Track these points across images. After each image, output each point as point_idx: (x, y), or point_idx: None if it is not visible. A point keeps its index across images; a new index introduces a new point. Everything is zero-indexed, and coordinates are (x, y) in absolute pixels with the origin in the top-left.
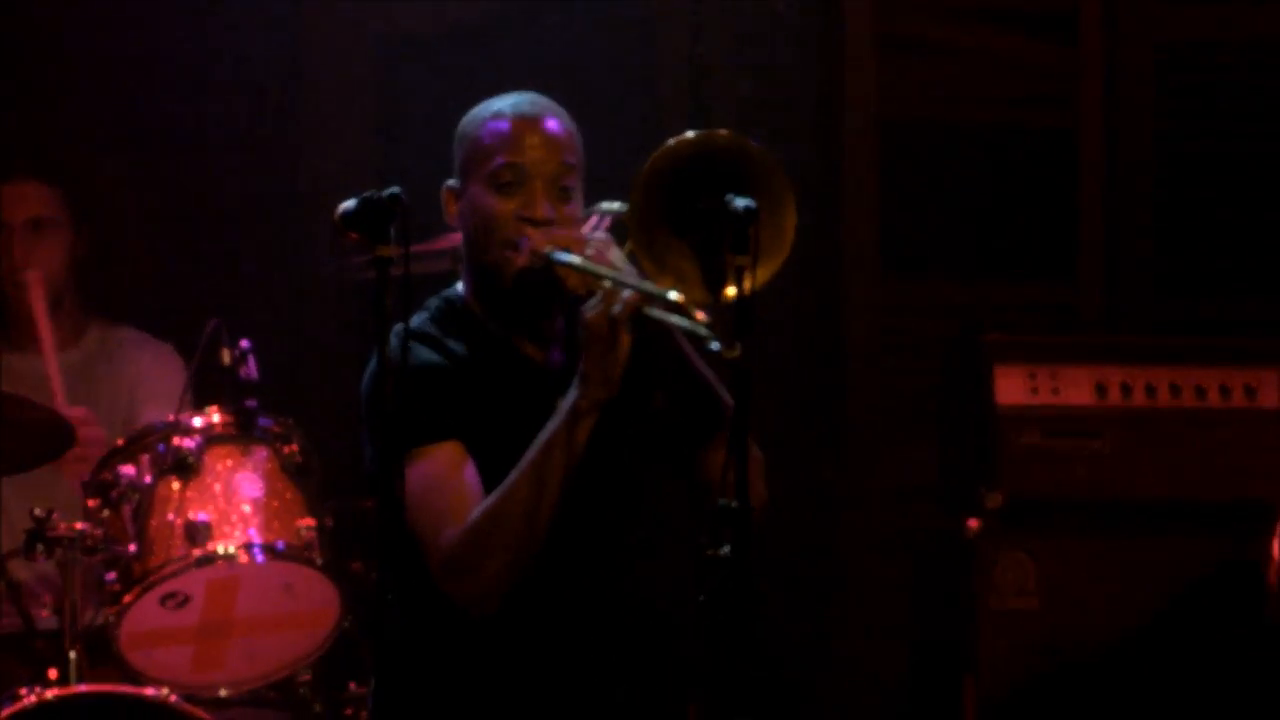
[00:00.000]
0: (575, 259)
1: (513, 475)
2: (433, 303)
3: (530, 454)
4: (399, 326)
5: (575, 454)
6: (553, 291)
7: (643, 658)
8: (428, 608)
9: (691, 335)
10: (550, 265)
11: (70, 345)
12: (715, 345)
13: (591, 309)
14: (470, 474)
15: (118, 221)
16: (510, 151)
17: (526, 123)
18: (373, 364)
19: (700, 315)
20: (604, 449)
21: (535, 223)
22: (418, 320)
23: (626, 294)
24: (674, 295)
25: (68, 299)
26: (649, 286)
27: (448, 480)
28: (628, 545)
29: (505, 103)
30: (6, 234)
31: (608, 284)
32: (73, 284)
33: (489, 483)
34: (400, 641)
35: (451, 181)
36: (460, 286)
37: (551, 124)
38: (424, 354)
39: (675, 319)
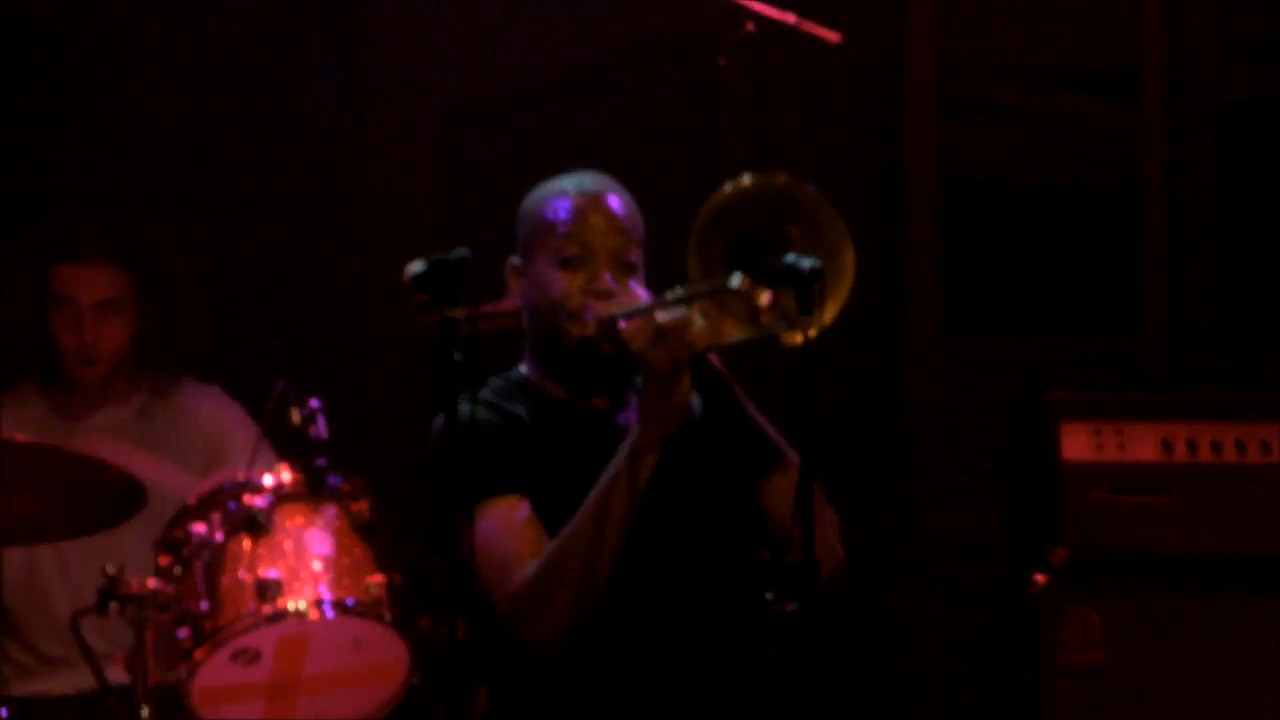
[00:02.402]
0: (636, 306)
1: (576, 516)
2: (494, 381)
3: (593, 494)
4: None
5: (637, 493)
6: (619, 358)
7: (704, 702)
8: (498, 656)
9: (761, 335)
10: (615, 328)
11: (120, 402)
12: (786, 331)
13: (653, 348)
14: (535, 524)
15: (180, 294)
16: (574, 228)
17: (589, 200)
18: (435, 425)
19: (765, 297)
20: (669, 501)
21: (600, 296)
22: (471, 394)
23: (685, 322)
24: (737, 280)
25: (124, 365)
26: (709, 284)
27: (512, 530)
28: (692, 593)
29: (568, 181)
30: (73, 311)
31: (667, 313)
32: (130, 354)
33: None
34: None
35: (514, 259)
36: (522, 367)
37: (614, 201)
38: (485, 414)
39: (736, 335)
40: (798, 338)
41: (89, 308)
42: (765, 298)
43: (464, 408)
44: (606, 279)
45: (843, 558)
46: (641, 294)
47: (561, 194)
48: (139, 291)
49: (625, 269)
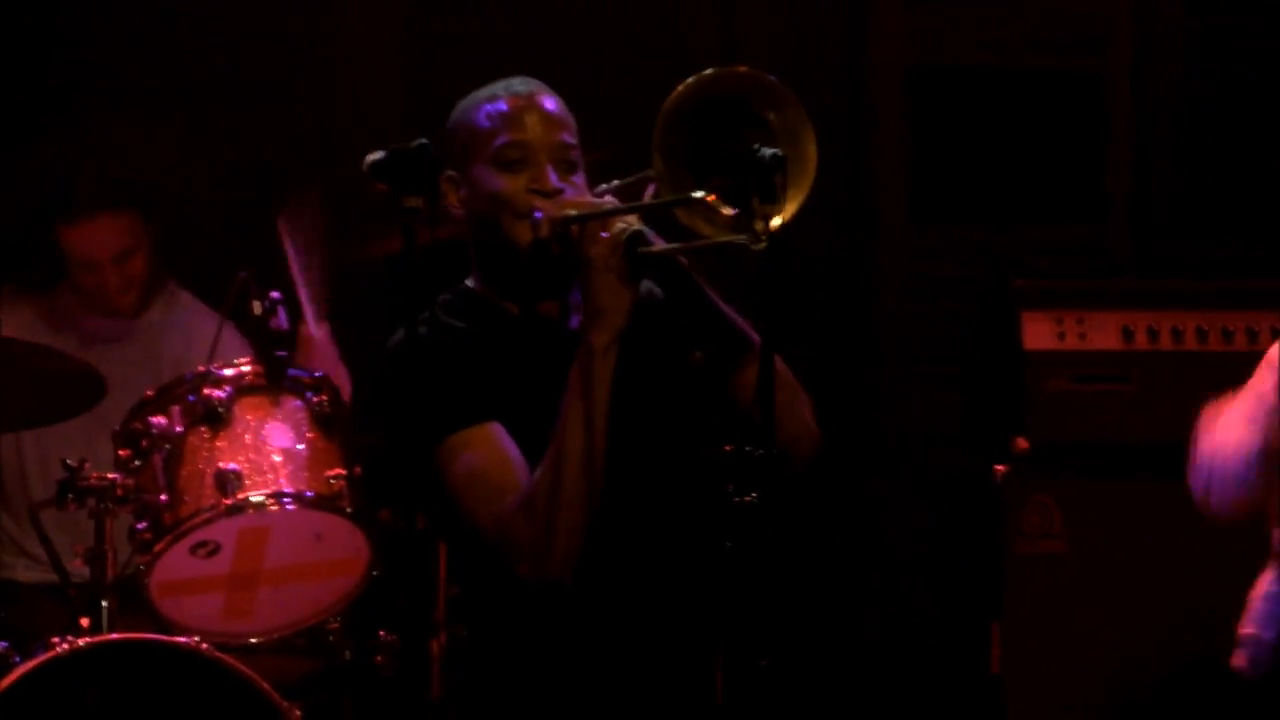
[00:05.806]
0: (593, 207)
1: (555, 434)
2: (441, 297)
3: (564, 408)
4: (409, 321)
5: (606, 395)
6: (572, 259)
7: (677, 608)
8: (484, 588)
9: (718, 244)
10: (568, 229)
11: (141, 312)
12: (745, 239)
13: (593, 244)
14: (516, 451)
15: (185, 199)
16: (512, 130)
17: (523, 101)
18: (390, 348)
19: (727, 211)
20: (646, 405)
21: (546, 194)
22: (426, 314)
23: (629, 223)
24: (699, 194)
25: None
26: (674, 196)
27: (494, 458)
28: (671, 491)
29: (497, 86)
30: (93, 267)
31: (629, 219)
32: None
33: (534, 455)
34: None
35: (450, 173)
36: (469, 282)
37: (548, 102)
38: (440, 338)
39: (704, 235)
40: (760, 225)
41: (108, 261)
42: (728, 212)
43: (421, 330)
44: (551, 177)
45: (819, 436)
46: (585, 191)
47: (493, 99)
48: (149, 225)
49: (567, 166)
